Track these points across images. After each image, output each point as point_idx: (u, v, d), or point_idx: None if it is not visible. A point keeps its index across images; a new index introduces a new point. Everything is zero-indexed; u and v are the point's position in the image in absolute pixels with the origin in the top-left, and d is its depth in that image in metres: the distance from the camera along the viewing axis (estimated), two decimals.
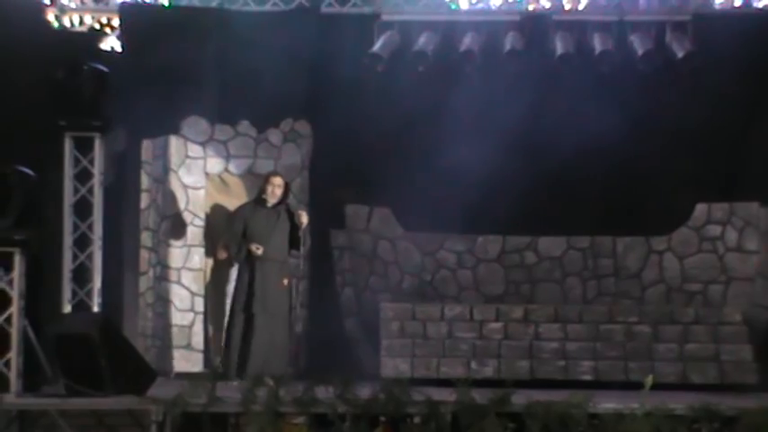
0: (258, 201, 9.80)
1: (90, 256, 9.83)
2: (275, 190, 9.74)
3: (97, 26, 11.03)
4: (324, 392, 7.80)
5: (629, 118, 10.74)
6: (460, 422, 7.60)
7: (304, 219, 9.65)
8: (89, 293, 9.79)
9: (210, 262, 10.70)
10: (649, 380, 7.84)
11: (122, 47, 10.93)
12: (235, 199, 10.75)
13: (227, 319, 9.86)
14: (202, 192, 10.79)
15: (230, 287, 10.34)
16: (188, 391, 7.77)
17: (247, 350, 9.44)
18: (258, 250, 9.54)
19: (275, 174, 9.96)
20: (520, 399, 7.70)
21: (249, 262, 9.66)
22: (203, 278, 10.72)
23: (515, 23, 11.04)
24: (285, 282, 9.79)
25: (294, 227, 9.68)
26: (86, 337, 8.17)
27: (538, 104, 10.75)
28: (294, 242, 9.68)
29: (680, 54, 10.65)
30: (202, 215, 10.77)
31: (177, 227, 10.64)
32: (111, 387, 8.10)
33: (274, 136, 10.99)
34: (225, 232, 10.14)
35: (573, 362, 10.10)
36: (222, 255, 10.41)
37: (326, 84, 10.81)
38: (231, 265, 10.40)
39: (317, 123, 10.98)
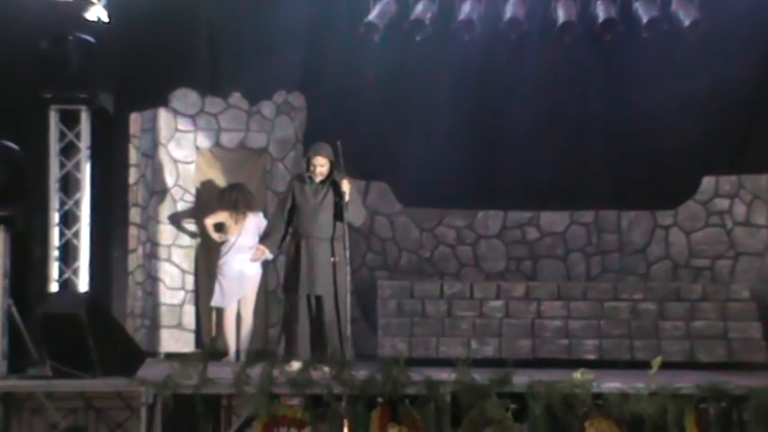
0: (303, 178, 8.89)
1: (77, 234, 9.72)
2: (320, 170, 8.80)
3: None
4: (319, 373, 7.63)
5: (633, 88, 10.62)
6: (460, 403, 7.42)
7: (345, 186, 8.63)
8: (76, 272, 9.68)
9: (199, 240, 10.54)
10: (657, 361, 7.66)
11: (109, 16, 10.71)
12: (226, 174, 10.59)
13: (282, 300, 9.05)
14: (192, 166, 10.65)
15: (222, 263, 10.10)
16: (179, 373, 7.56)
17: (296, 332, 8.62)
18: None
19: (316, 154, 8.81)
20: (521, 379, 7.54)
21: (295, 241, 8.80)
22: (194, 255, 10.56)
23: None
24: (333, 260, 8.81)
25: (340, 198, 8.76)
26: (73, 317, 7.99)
27: (539, 75, 10.62)
28: (340, 215, 8.77)
29: (686, 22, 10.48)
30: (193, 190, 10.63)
31: (166, 203, 10.48)
32: (99, 368, 7.93)
33: (267, 108, 10.81)
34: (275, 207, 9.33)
35: (576, 340, 10.03)
36: (215, 232, 10.20)
37: (321, 54, 10.64)
38: (223, 241, 10.18)
39: (311, 95, 10.83)
